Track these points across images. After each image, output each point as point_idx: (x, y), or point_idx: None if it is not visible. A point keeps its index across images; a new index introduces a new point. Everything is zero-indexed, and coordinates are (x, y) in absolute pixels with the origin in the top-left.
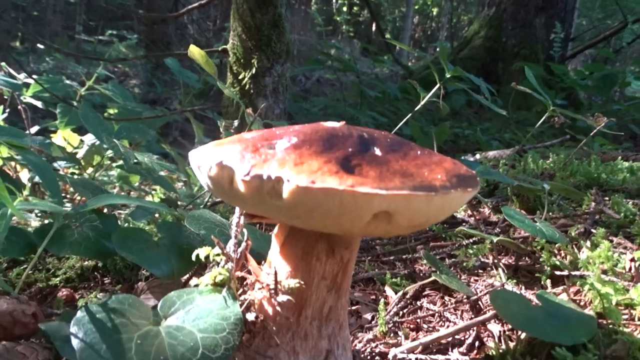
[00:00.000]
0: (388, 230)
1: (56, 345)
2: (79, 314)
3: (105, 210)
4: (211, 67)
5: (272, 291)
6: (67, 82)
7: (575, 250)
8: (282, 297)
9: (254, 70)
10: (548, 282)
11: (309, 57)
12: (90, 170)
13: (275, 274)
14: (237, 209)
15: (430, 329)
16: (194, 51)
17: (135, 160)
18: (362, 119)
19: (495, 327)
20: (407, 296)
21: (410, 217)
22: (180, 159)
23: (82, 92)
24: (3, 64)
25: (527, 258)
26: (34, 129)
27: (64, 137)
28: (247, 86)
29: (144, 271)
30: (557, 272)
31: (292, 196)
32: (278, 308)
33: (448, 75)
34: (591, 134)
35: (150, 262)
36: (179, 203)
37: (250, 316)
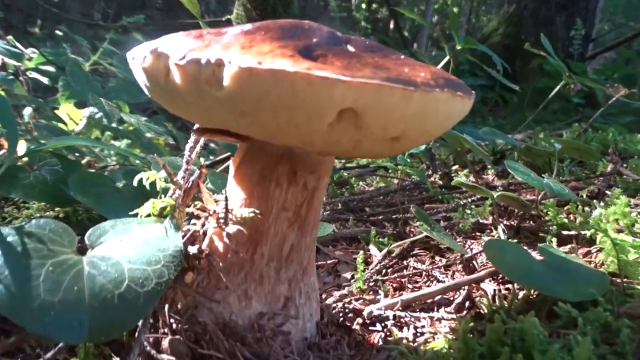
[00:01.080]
0: (358, 141)
1: None
2: None
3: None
4: (194, 5)
5: (222, 221)
6: (72, 56)
7: (587, 209)
8: (232, 228)
9: None
10: (554, 240)
11: None
12: None
13: (226, 200)
14: (192, 136)
15: (416, 288)
16: None
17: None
18: None
19: (489, 287)
20: (393, 255)
21: (384, 121)
22: (183, 139)
23: (87, 66)
24: (10, 37)
25: (530, 221)
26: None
27: (67, 112)
28: None
29: None
30: (565, 232)
31: (234, 82)
32: (228, 242)
33: (459, 47)
34: (609, 102)
35: (110, 209)
36: None
37: (193, 249)
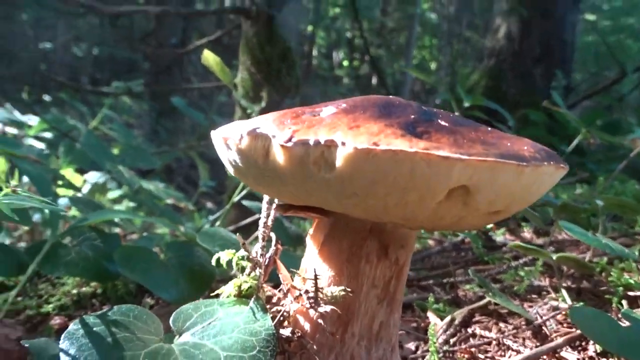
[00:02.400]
0: (461, 217)
1: None
2: (72, 326)
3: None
4: (227, 75)
5: (312, 301)
6: (72, 121)
7: None
8: (324, 308)
9: (263, 104)
10: (624, 302)
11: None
12: None
13: (316, 279)
14: (264, 206)
15: (489, 359)
16: (209, 57)
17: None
18: None
19: (571, 356)
20: (455, 322)
21: (494, 196)
22: (184, 201)
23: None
24: (8, 105)
25: (585, 282)
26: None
27: (67, 177)
28: None
29: (149, 299)
30: (630, 293)
31: (349, 164)
32: (319, 322)
33: (467, 104)
34: (631, 154)
35: (157, 284)
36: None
37: (286, 332)
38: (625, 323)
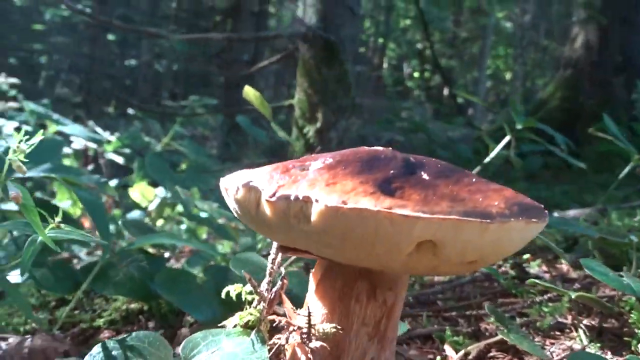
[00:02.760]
0: (435, 266)
1: None
2: (95, 349)
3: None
4: (265, 108)
5: (305, 336)
6: (146, 139)
7: None
8: (315, 344)
9: (318, 125)
10: None
11: (379, 119)
12: (160, 222)
13: (309, 316)
14: (274, 244)
15: None
16: (249, 92)
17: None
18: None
19: None
20: (470, 357)
21: (461, 250)
22: (235, 221)
23: (159, 148)
24: (91, 122)
25: (613, 320)
26: (113, 182)
27: (140, 191)
28: (312, 140)
29: (189, 317)
30: None
31: (321, 219)
32: (311, 357)
33: (519, 127)
34: None
35: (191, 305)
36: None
37: None
38: None
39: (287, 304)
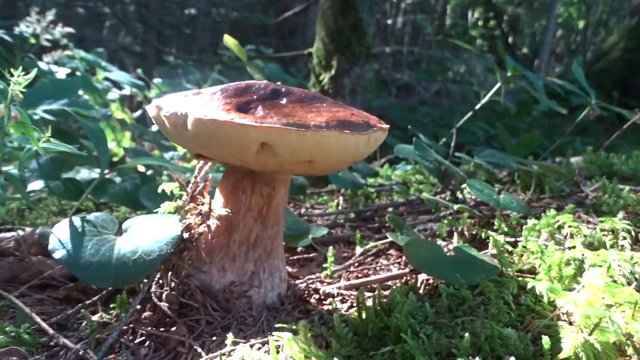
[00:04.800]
0: (281, 163)
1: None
2: (63, 220)
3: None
4: (242, 53)
5: (205, 217)
6: (187, 85)
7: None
8: (211, 221)
9: (333, 72)
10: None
11: (421, 69)
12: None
13: (210, 202)
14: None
15: (372, 274)
16: (228, 41)
17: None
18: (471, 129)
19: (423, 276)
20: (370, 253)
21: (291, 151)
22: None
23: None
24: (139, 70)
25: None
26: (154, 127)
27: None
28: (326, 86)
29: None
30: (508, 239)
31: (192, 127)
32: (212, 234)
33: (509, 74)
34: None
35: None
36: None
37: (186, 235)
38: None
39: (207, 199)
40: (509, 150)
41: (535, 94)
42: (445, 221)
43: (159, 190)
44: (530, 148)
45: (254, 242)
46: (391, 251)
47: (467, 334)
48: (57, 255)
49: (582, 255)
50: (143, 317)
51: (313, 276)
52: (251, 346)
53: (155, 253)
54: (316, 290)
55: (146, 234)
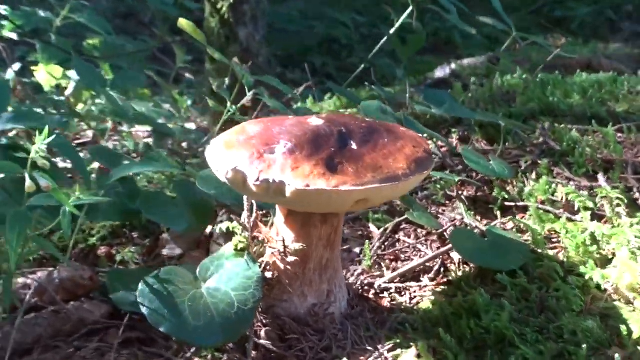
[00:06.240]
0: (366, 207)
1: (123, 308)
2: (141, 286)
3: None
4: (200, 35)
5: (282, 254)
6: (42, 14)
7: (524, 180)
8: (290, 258)
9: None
10: (498, 213)
11: None
12: (80, 106)
13: (284, 240)
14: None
15: (406, 259)
16: (183, 23)
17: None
18: (341, 19)
19: (456, 256)
20: (387, 231)
21: (381, 199)
22: (164, 84)
23: (58, 23)
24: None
25: (485, 188)
26: (16, 66)
27: (47, 70)
28: (226, 15)
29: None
30: (507, 203)
31: (293, 195)
32: (288, 266)
33: None
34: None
35: (170, 220)
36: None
37: (268, 274)
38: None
39: (263, 230)
40: (400, 54)
41: (447, 16)
42: (438, 186)
43: (224, 228)
44: (417, 48)
45: (326, 265)
46: (405, 225)
47: (584, 345)
48: (164, 329)
49: (602, 233)
50: (251, 359)
51: (355, 267)
52: None
53: (250, 302)
54: (370, 285)
55: (230, 282)
